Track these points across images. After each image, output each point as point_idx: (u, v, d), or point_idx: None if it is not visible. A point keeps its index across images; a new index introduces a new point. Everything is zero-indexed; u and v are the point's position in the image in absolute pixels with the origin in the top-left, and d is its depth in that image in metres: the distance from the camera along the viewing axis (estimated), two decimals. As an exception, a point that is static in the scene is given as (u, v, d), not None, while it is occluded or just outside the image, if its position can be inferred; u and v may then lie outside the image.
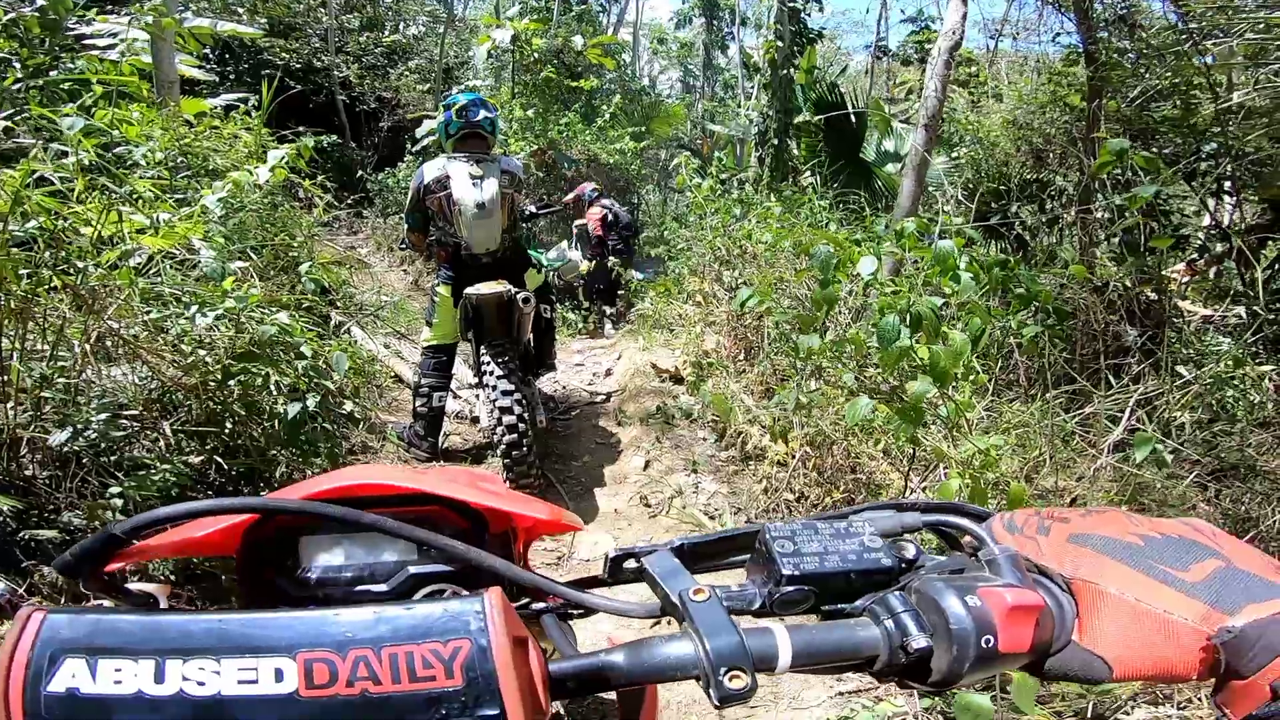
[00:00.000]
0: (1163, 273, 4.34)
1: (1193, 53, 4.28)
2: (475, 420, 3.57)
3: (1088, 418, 2.77)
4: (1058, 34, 6.33)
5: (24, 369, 1.88)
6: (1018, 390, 2.95)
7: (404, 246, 3.43)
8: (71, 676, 0.33)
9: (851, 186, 6.27)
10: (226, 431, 2.20)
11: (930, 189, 7.21)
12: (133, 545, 0.43)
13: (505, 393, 2.71)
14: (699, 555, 0.48)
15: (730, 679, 0.35)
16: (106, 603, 0.50)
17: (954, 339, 1.64)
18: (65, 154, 2.11)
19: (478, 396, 3.38)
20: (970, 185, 6.77)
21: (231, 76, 9.93)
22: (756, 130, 8.55)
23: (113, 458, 1.90)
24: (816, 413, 2.50)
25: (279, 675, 0.34)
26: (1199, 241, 5.08)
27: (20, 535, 1.78)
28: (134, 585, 0.53)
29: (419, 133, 6.50)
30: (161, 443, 2.08)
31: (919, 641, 0.38)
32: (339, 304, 4.01)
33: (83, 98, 3.95)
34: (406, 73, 12.09)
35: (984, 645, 0.37)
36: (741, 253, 3.79)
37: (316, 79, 10.41)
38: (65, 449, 1.85)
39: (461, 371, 3.74)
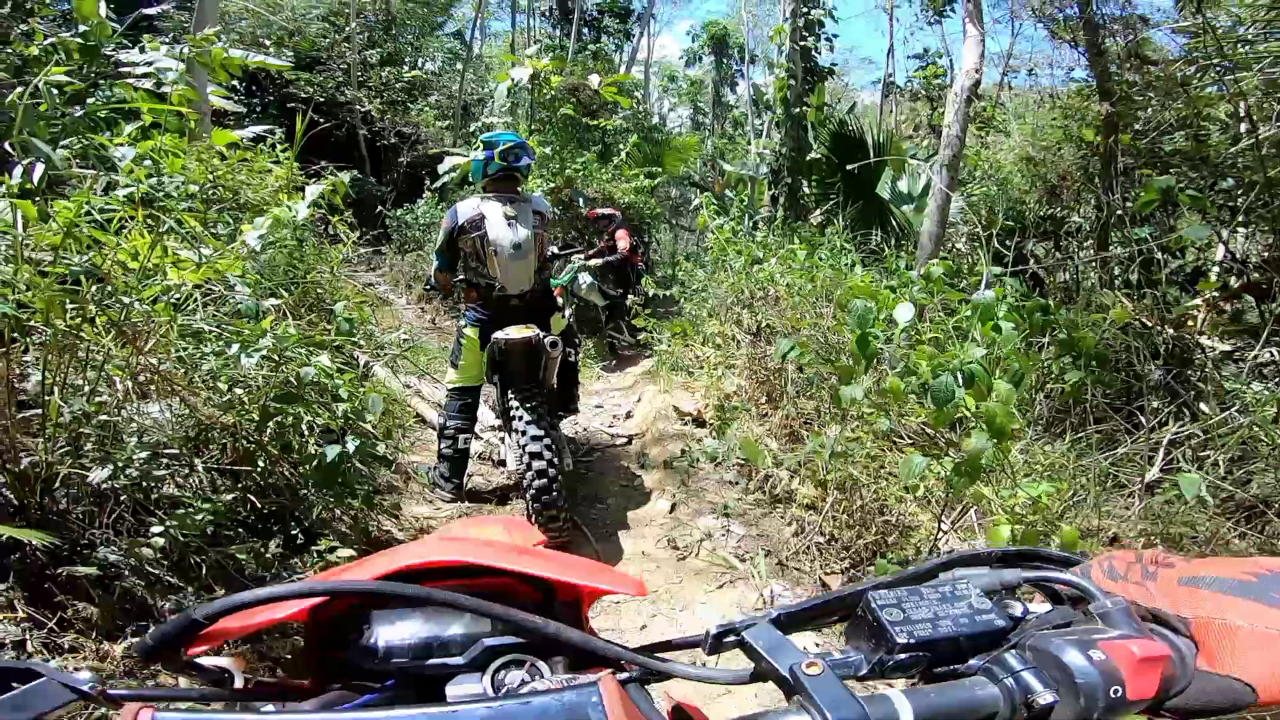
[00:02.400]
0: (1183, 309, 4.33)
1: (1204, 85, 4.34)
2: (500, 463, 3.54)
3: (1120, 458, 2.74)
4: (1071, 69, 6.45)
5: (63, 404, 1.88)
6: (1043, 429, 2.92)
7: (429, 286, 3.40)
8: None
9: (866, 223, 6.32)
10: (259, 470, 2.20)
11: (952, 226, 7.26)
12: (210, 629, 0.44)
13: (535, 438, 2.68)
14: (796, 622, 0.48)
15: None
16: (184, 682, 0.51)
17: (999, 389, 1.63)
18: (112, 185, 2.15)
19: (502, 439, 3.35)
20: (986, 223, 6.82)
21: (258, 109, 10.18)
22: (769, 168, 8.65)
23: (151, 495, 1.89)
24: (847, 457, 2.47)
25: None
26: (1215, 275, 5.07)
27: (58, 571, 1.77)
28: (208, 661, 0.52)
29: (440, 169, 6.61)
30: (195, 480, 2.07)
31: (1045, 698, 0.38)
32: (362, 342, 4.04)
33: (120, 126, 4.04)
34: (426, 108, 12.36)
35: (1112, 696, 0.38)
36: (764, 295, 3.80)
37: (339, 113, 10.65)
38: (105, 486, 1.84)
39: (482, 412, 3.74)
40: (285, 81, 10.25)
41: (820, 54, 8.75)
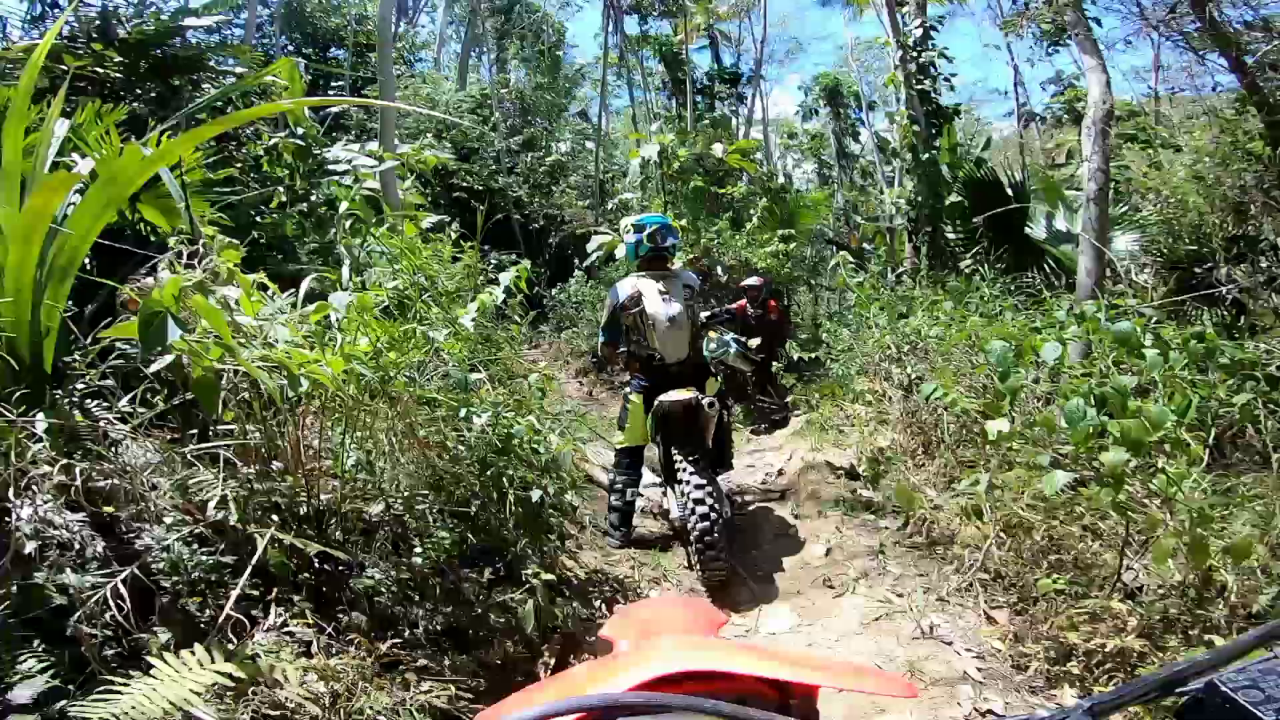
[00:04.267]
0: None
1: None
2: (663, 513, 3.83)
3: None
4: (1216, 83, 5.96)
5: (347, 454, 2.45)
6: (1250, 463, 2.73)
7: (595, 359, 3.94)
8: None
9: (1020, 267, 6.10)
10: (474, 513, 2.66)
11: (1122, 263, 6.78)
12: None
13: (698, 485, 3.00)
14: (1108, 712, 0.44)
15: None
16: None
17: (1149, 410, 1.68)
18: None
19: (664, 493, 3.62)
20: (1164, 252, 6.33)
21: (428, 199, 11.73)
22: (907, 218, 8.55)
23: (405, 528, 2.39)
24: (1009, 495, 2.50)
25: None
26: None
27: (337, 588, 2.27)
28: None
29: (589, 247, 7.27)
30: (432, 519, 2.56)
31: None
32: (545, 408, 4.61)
33: (362, 229, 4.95)
34: (567, 189, 13.57)
35: None
36: (912, 348, 3.88)
37: (494, 198, 12.00)
38: (375, 518, 2.36)
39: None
40: (449, 173, 11.61)
41: (940, 95, 8.58)
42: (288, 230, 4.90)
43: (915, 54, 7.90)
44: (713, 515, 2.96)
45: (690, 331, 3.36)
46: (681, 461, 3.10)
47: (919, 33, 7.92)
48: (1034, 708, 2.13)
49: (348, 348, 1.84)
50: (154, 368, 1.88)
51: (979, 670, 2.22)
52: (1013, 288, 5.23)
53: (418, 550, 2.22)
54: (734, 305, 5.77)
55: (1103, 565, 2.76)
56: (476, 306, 2.65)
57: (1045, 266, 6.80)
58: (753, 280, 6.55)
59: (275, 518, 2.20)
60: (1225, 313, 5.87)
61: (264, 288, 2.27)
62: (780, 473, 4.73)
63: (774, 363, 5.88)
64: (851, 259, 7.66)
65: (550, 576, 2.36)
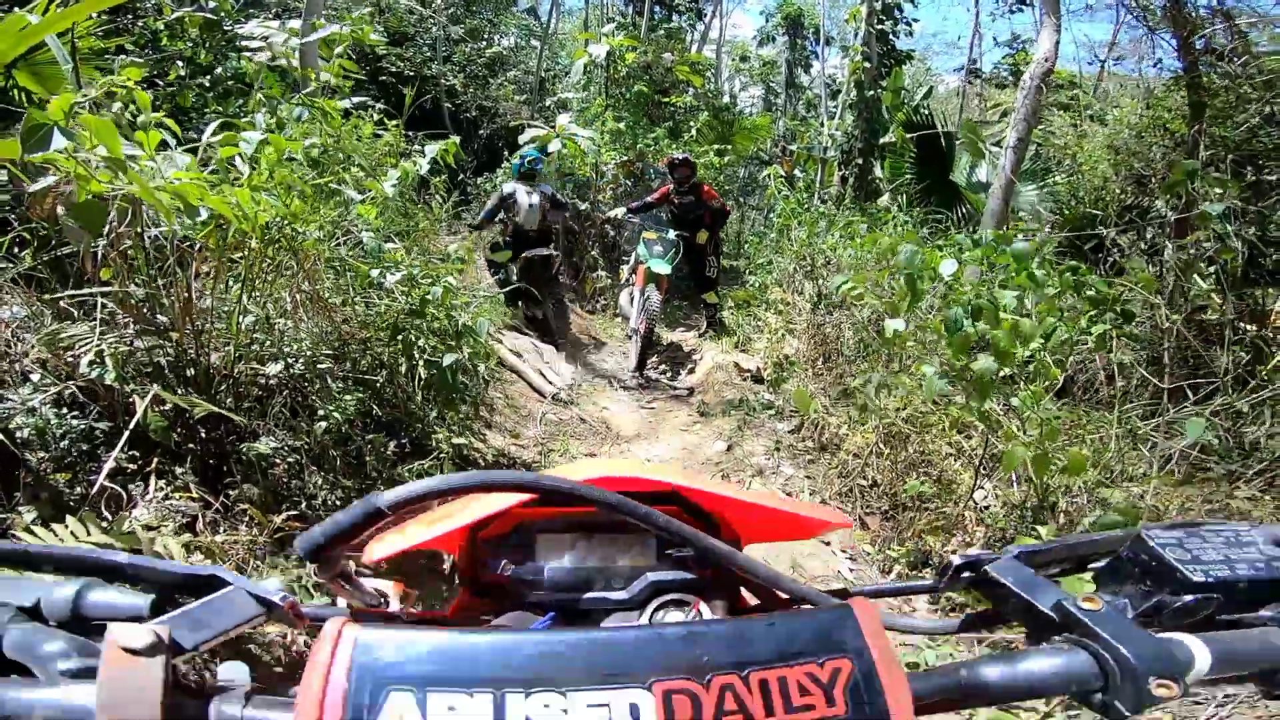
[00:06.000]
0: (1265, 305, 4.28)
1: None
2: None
3: (1162, 426, 2.87)
4: (1159, 60, 6.26)
5: (244, 312, 2.34)
6: (1093, 401, 3.07)
7: (472, 227, 5.23)
8: (400, 717, 0.28)
9: (940, 209, 6.36)
10: (381, 383, 2.62)
11: (1022, 214, 7.18)
12: (386, 520, 0.36)
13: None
14: (1037, 564, 0.43)
15: (1156, 687, 0.32)
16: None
17: (1022, 325, 1.85)
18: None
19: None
20: (1064, 211, 6.74)
21: (354, 82, 10.82)
22: (840, 150, 8.66)
23: (305, 395, 2.33)
24: (893, 404, 2.70)
25: (634, 712, 0.29)
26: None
27: (225, 457, 2.20)
28: (366, 580, 0.51)
29: (521, 139, 7.01)
30: (337, 385, 2.51)
31: None
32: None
33: (243, 98, 4.56)
34: (505, 83, 12.81)
35: None
36: (826, 263, 4.02)
37: (425, 86, 11.20)
38: (273, 380, 2.29)
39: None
40: (377, 56, 10.77)
41: (899, 38, 8.63)
42: (184, 101, 4.48)
43: (883, -7, 7.83)
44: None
45: (541, 213, 5.18)
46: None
47: (893, -28, 7.80)
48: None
49: (256, 179, 1.71)
50: (36, 187, 1.70)
51: (850, 571, 2.46)
52: (931, 223, 5.48)
53: (320, 415, 2.18)
54: (654, 194, 5.75)
55: (961, 483, 3.08)
56: (399, 174, 2.51)
57: (964, 212, 7.13)
58: (678, 155, 5.72)
59: (158, 382, 2.07)
60: (1103, 272, 6.39)
61: (164, 127, 2.07)
62: (691, 370, 4.92)
63: (712, 259, 5.70)
64: (782, 174, 7.71)
65: (461, 441, 2.39)
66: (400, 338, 2.40)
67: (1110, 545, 0.43)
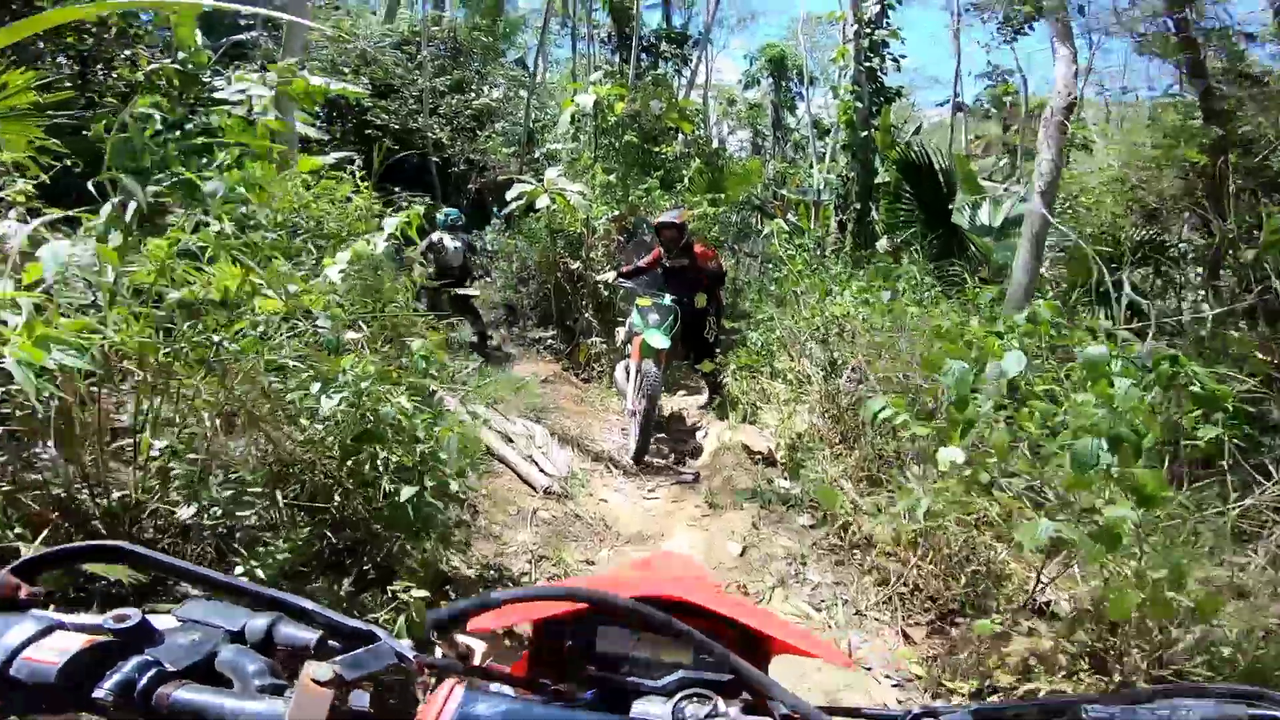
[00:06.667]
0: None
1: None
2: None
3: (1248, 510, 2.47)
4: (1157, 85, 6.01)
5: (154, 439, 1.92)
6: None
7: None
8: None
9: (946, 252, 6.05)
10: (336, 506, 2.19)
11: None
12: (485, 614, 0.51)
13: None
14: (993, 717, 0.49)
15: None
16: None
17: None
18: (205, 222, 2.22)
19: None
20: (1071, 251, 6.43)
21: (338, 136, 10.55)
22: (836, 194, 8.41)
23: (234, 532, 1.90)
24: (948, 518, 2.28)
25: None
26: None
27: (143, 606, 1.78)
28: (461, 638, 0.58)
29: (509, 195, 6.72)
30: (275, 513, 2.08)
31: None
32: (435, 373, 4.08)
33: (216, 155, 4.25)
34: (493, 135, 12.66)
35: None
36: (840, 331, 3.63)
37: (412, 140, 11.00)
38: (190, 521, 1.86)
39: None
40: (363, 109, 10.61)
41: (886, 74, 8.46)
42: (142, 159, 4.04)
43: (869, 30, 7.68)
44: None
45: (461, 256, 6.36)
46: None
47: (876, 9, 7.68)
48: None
49: (52, 328, 1.31)
50: None
51: (899, 702, 2.02)
52: (937, 272, 5.12)
53: (241, 563, 1.75)
54: (645, 258, 5.17)
55: (1011, 576, 2.65)
56: (348, 256, 2.13)
57: (968, 255, 6.82)
58: (669, 217, 5.00)
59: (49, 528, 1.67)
60: (1115, 313, 6.08)
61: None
62: (694, 450, 4.47)
63: (713, 319, 5.01)
64: (786, 227, 7.40)
65: (423, 594, 1.95)
66: (351, 462, 1.99)
67: (1057, 712, 0.46)
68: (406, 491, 1.91)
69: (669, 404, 5.32)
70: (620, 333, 5.23)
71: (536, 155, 11.08)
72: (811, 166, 13.87)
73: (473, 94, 13.60)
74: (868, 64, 7.99)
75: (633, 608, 0.48)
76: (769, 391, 4.36)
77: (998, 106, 18.64)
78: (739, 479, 3.57)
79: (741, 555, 2.98)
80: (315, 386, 1.85)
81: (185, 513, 1.81)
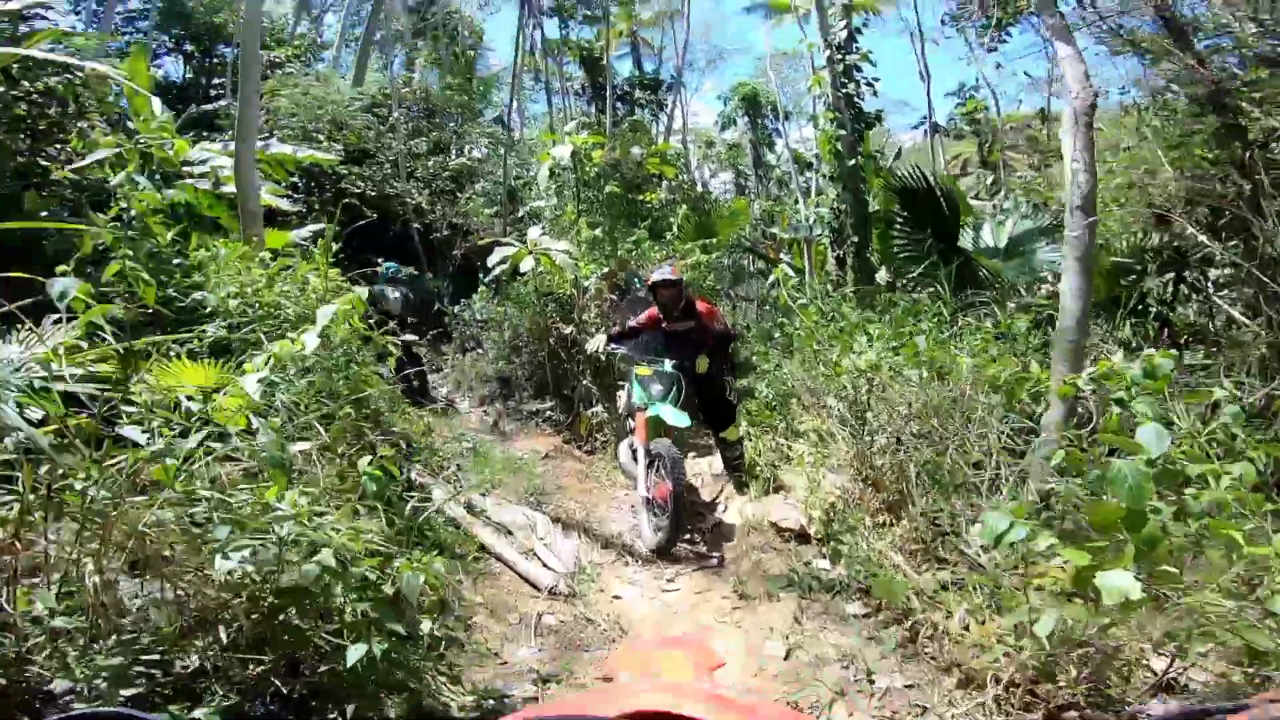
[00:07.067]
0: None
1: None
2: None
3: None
4: (1168, 85, 5.72)
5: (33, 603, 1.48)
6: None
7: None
8: None
9: (959, 280, 5.67)
10: (279, 654, 1.73)
11: (1044, 275, 6.54)
12: None
13: None
14: None
15: None
16: None
17: None
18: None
19: None
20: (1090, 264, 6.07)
21: (316, 207, 10.26)
22: (830, 227, 8.13)
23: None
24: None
25: None
26: None
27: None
28: None
29: (491, 261, 6.37)
30: (204, 663, 1.61)
31: None
32: (421, 458, 3.63)
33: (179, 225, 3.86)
34: (474, 196, 12.47)
35: None
36: (870, 385, 3.18)
37: (390, 205, 10.72)
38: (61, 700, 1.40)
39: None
40: (339, 177, 10.38)
41: (864, 100, 8.30)
42: (84, 249, 3.59)
43: (840, 55, 7.52)
44: None
45: (402, 304, 6.90)
46: None
47: (844, 34, 7.54)
48: None
49: None
50: None
51: None
52: (956, 304, 4.73)
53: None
54: (639, 318, 4.55)
55: (1125, 649, 2.16)
56: (267, 360, 1.73)
57: (979, 281, 6.47)
58: (663, 274, 4.38)
59: None
60: (1149, 327, 5.70)
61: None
62: (715, 527, 3.93)
63: (730, 383, 4.49)
64: (791, 273, 7.04)
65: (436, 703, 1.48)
66: (281, 619, 1.54)
67: None
68: (354, 653, 1.46)
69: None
70: (620, 396, 4.79)
71: (520, 214, 10.86)
72: (797, 202, 13.72)
73: (452, 155, 13.50)
74: (844, 90, 7.82)
75: None
76: (789, 450, 3.91)
77: (971, 125, 18.68)
78: (770, 562, 3.08)
79: (786, 659, 2.49)
80: (222, 531, 1.42)
81: (59, 686, 1.36)
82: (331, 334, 2.80)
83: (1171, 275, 6.37)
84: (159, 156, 3.52)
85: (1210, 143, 5.02)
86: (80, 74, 5.25)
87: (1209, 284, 6.18)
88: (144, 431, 1.65)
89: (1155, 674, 2.07)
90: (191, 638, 1.66)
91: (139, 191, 2.97)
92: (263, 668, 1.71)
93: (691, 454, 4.94)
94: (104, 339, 2.12)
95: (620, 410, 4.61)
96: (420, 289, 8.40)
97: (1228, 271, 6.05)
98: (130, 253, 3.31)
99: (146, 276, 2.75)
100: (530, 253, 6.00)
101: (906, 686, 2.29)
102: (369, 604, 1.57)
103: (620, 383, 5.34)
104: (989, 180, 13.80)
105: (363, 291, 3.21)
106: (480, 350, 7.48)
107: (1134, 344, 5.08)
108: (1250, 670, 1.81)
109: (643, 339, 4.52)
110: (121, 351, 1.79)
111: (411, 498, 2.50)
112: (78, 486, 1.37)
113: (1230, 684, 1.84)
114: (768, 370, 4.67)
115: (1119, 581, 1.29)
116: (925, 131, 18.51)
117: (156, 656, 1.51)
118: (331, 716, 1.82)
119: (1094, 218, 2.93)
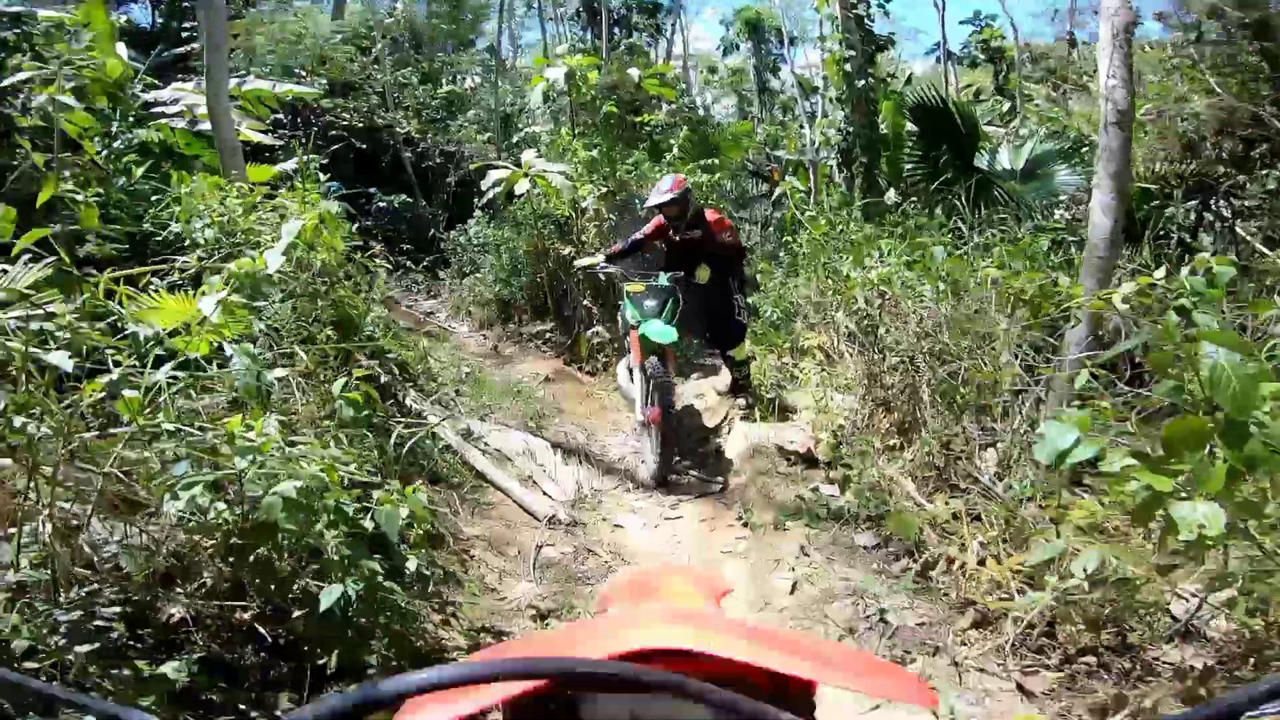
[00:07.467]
0: None
1: None
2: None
3: None
4: (1213, 9, 5.32)
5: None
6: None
7: None
8: None
9: (976, 201, 5.42)
10: (260, 599, 1.64)
11: (1063, 199, 6.27)
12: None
13: None
14: None
15: None
16: None
17: None
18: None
19: None
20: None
21: (303, 141, 9.87)
22: (838, 149, 7.81)
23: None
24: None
25: None
26: None
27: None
28: None
29: (484, 184, 6.13)
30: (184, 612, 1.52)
31: None
32: (418, 382, 3.51)
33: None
34: (466, 124, 12.02)
35: None
36: (881, 300, 3.02)
37: (380, 136, 10.37)
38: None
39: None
40: (324, 111, 10.04)
41: (874, 21, 7.89)
42: (47, 191, 3.35)
43: (850, -26, 7.07)
44: None
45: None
46: None
47: (854, -50, 7.04)
48: None
49: None
50: None
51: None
52: (976, 222, 4.50)
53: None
54: (644, 230, 4.26)
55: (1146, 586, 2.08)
56: (227, 279, 1.56)
57: (993, 202, 6.20)
58: (665, 192, 4.04)
59: None
60: (1169, 256, 5.53)
61: None
62: (718, 451, 3.85)
63: (739, 300, 4.10)
64: (800, 189, 6.75)
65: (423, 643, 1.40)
66: (252, 559, 1.42)
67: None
68: (329, 595, 1.35)
69: (681, 388, 4.65)
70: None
71: (515, 140, 10.44)
72: (802, 127, 13.20)
73: (442, 85, 12.96)
74: (854, 9, 7.40)
75: (620, 675, 0.34)
76: (796, 371, 3.78)
77: (986, 53, 18.00)
78: (776, 488, 3.00)
79: (793, 592, 2.42)
80: (180, 468, 1.29)
81: (19, 644, 1.26)
82: (311, 257, 2.62)
83: (1196, 203, 6.12)
84: (90, 77, 3.23)
85: (1251, 71, 4.69)
86: (33, 22, 4.91)
87: (1232, 214, 5.95)
88: (95, 363, 1.50)
89: (1175, 620, 2.00)
90: (169, 586, 1.56)
91: (71, 112, 2.71)
92: (245, 615, 1.63)
93: (695, 375, 4.81)
94: (71, 274, 1.96)
95: (621, 330, 4.42)
96: (415, 216, 8.09)
97: (1250, 204, 5.87)
98: (101, 191, 3.12)
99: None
100: (526, 175, 5.79)
101: (918, 625, 2.23)
102: (345, 541, 1.46)
103: (620, 301, 5.15)
104: (1005, 107, 13.25)
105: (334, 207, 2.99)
106: (479, 274, 7.30)
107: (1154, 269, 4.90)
108: (1272, 620, 1.72)
109: (647, 255, 4.40)
110: (69, 274, 1.62)
111: (403, 424, 2.38)
112: (16, 423, 1.23)
113: (1252, 635, 1.75)
114: (771, 287, 4.51)
115: (1201, 512, 1.15)
116: (937, 59, 17.76)
117: (129, 608, 1.41)
118: (320, 663, 1.76)
119: (1128, 133, 2.68)
